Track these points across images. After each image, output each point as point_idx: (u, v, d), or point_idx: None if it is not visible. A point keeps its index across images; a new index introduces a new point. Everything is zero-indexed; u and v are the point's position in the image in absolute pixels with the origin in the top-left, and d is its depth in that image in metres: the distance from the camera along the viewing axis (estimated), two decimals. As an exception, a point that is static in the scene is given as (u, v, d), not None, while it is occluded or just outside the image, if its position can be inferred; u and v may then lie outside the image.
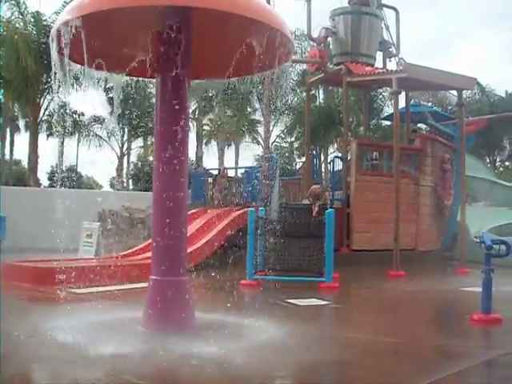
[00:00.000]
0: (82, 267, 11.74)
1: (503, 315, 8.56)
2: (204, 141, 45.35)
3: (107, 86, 35.74)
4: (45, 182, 49.20)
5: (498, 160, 53.21)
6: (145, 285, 7.45)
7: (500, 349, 7.08)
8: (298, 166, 33.26)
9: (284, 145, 48.55)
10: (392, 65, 21.75)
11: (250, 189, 18.60)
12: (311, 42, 23.17)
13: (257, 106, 41.07)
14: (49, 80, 28.14)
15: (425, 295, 12.29)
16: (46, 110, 32.55)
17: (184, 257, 7.29)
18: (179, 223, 7.14)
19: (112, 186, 52.53)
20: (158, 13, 6.71)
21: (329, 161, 27.03)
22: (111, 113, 39.33)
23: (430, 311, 10.96)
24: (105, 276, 10.28)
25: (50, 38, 6.65)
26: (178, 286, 7.01)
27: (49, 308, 8.64)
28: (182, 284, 7.10)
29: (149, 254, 13.57)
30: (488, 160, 49.23)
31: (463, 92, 19.64)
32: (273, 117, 37.63)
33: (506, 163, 55.27)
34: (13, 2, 29.59)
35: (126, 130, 43.48)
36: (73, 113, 39.81)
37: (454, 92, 19.98)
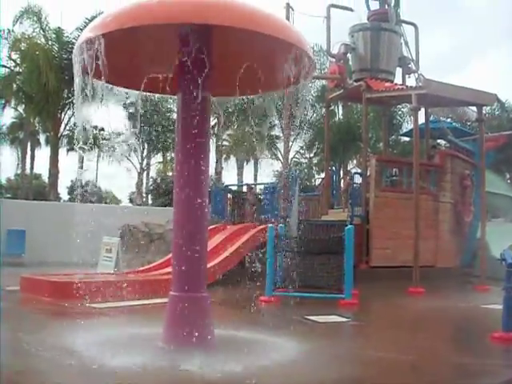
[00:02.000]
0: (101, 282, 11.78)
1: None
2: (223, 156, 45.44)
3: (127, 102, 35.96)
4: (65, 196, 49.60)
5: (517, 176, 52.82)
6: (164, 300, 7.45)
7: (521, 368, 7.03)
8: (317, 182, 33.19)
9: (303, 160, 48.62)
10: (411, 81, 21.80)
11: (270, 205, 18.61)
12: (330, 58, 23.22)
13: (276, 121, 41.07)
14: (69, 95, 28.44)
15: (445, 312, 12.19)
16: (66, 124, 32.79)
17: (204, 273, 7.28)
18: (199, 238, 7.12)
19: (131, 201, 52.78)
20: (177, 30, 6.75)
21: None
22: (132, 128, 39.51)
23: (450, 329, 10.89)
24: (124, 291, 10.28)
25: (73, 55, 6.72)
26: (197, 302, 6.98)
27: (67, 322, 8.65)
28: (202, 300, 7.07)
29: (167, 270, 13.71)
30: (508, 176, 48.91)
31: (483, 108, 19.57)
32: (292, 132, 37.63)
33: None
34: (34, 19, 30.01)
35: (145, 145, 43.72)
36: (93, 128, 40.03)
37: (474, 108, 19.87)
